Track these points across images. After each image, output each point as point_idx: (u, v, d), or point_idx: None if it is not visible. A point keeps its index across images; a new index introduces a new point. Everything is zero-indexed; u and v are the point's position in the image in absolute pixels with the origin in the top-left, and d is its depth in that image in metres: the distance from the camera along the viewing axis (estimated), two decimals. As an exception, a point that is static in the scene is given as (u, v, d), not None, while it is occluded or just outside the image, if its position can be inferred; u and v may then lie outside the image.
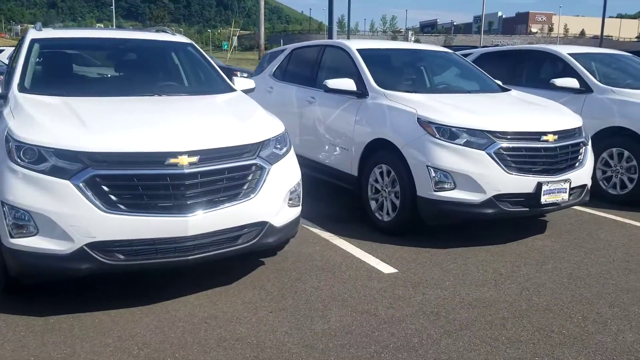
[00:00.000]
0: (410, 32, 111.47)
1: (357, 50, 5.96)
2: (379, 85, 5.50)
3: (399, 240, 4.96)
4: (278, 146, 3.96)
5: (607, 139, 6.52)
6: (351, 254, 4.65)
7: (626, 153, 6.34)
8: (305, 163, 6.43)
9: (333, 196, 6.43)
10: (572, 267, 4.49)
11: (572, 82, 6.84)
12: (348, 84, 5.55)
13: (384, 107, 5.25)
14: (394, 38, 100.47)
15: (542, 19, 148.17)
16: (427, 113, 4.86)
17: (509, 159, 4.66)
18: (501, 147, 4.64)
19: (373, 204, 5.31)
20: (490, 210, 4.68)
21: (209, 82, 4.88)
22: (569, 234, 5.36)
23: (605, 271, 4.40)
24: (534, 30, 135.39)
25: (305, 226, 5.38)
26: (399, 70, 6.14)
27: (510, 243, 5.01)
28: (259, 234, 3.70)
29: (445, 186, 4.66)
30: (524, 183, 4.69)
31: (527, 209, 4.78)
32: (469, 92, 5.90)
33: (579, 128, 5.17)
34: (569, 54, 7.27)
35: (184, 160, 3.35)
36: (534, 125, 4.84)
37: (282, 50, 7.50)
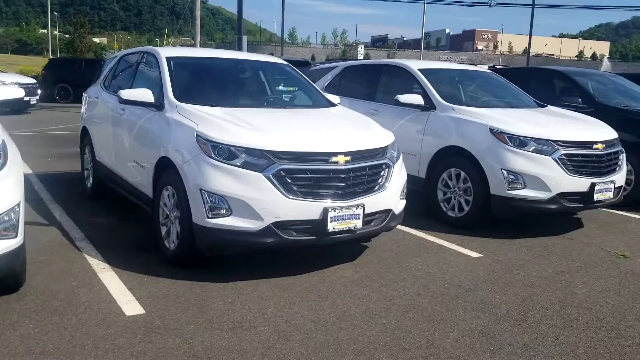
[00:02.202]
0: (360, 46, 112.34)
1: (167, 57, 5.42)
2: (177, 97, 4.96)
3: (179, 273, 4.41)
4: None
5: (446, 159, 6.18)
6: (106, 291, 4.05)
7: (462, 174, 5.99)
8: (117, 181, 5.85)
9: (143, 220, 5.85)
10: (353, 303, 4.02)
11: (416, 99, 6.49)
12: (144, 94, 5.01)
13: (171, 122, 4.71)
14: (344, 51, 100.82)
15: (487, 36, 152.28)
16: (206, 129, 4.33)
17: (290, 182, 4.17)
18: (282, 169, 4.15)
19: (163, 230, 4.74)
20: (270, 240, 4.17)
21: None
22: (380, 262, 4.92)
23: (384, 308, 3.95)
24: (479, 47, 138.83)
25: (88, 256, 4.77)
26: (212, 82, 5.60)
27: (304, 274, 4.53)
28: None
29: (221, 212, 4.14)
30: (308, 209, 4.20)
31: (315, 237, 4.30)
32: (285, 107, 5.42)
33: (384, 148, 4.74)
34: (418, 69, 6.93)
35: None
36: (324, 144, 4.37)
37: (114, 58, 6.90)
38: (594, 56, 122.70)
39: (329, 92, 7.91)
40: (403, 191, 4.95)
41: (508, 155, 5.62)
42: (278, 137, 4.30)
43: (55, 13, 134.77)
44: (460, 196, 6.04)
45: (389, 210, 4.69)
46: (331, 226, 4.25)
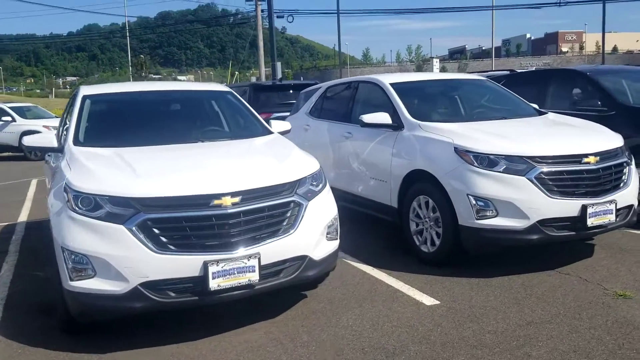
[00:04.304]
0: (435, 60, 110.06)
1: (83, 96, 5.04)
2: (78, 138, 4.53)
3: (62, 341, 3.87)
4: None
5: (415, 185, 5.31)
6: None
7: (431, 202, 5.10)
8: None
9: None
10: (231, 379, 3.29)
11: (382, 118, 5.68)
12: (44, 140, 4.59)
13: (57, 167, 4.24)
14: (419, 67, 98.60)
15: (572, 37, 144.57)
16: (75, 176, 3.78)
17: (160, 234, 3.51)
18: (148, 220, 3.50)
19: (61, 290, 4.23)
20: (139, 304, 3.52)
21: None
22: (308, 317, 4.15)
23: (263, 387, 3.19)
24: (564, 49, 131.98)
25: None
26: (121, 120, 5.04)
27: (204, 339, 3.85)
28: None
29: (84, 274, 3.55)
30: (185, 265, 3.53)
31: (197, 297, 3.61)
32: (202, 141, 4.75)
33: (294, 183, 3.96)
34: (390, 84, 6.10)
35: None
36: (206, 186, 3.66)
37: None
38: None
39: (313, 115, 7.31)
40: (331, 231, 4.17)
41: (475, 178, 4.69)
42: (148, 181, 3.67)
43: (142, 56, 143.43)
44: (431, 228, 5.14)
45: (302, 257, 3.92)
46: (214, 283, 3.56)
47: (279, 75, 17.30)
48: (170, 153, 4.33)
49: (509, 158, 4.66)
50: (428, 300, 4.35)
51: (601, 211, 4.66)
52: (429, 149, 5.15)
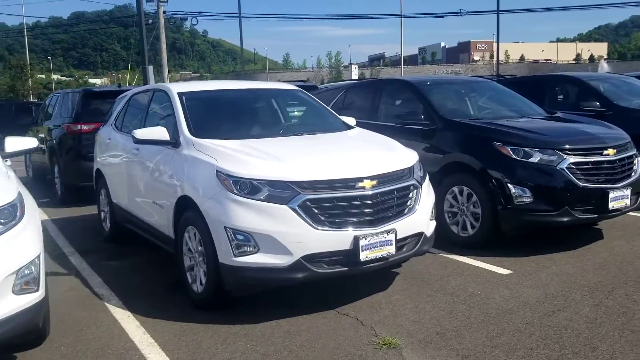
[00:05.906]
0: (354, 66, 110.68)
1: None
2: None
3: None
4: None
5: (186, 213, 4.52)
6: None
7: (198, 235, 4.33)
8: None
9: None
10: None
11: (156, 133, 4.87)
12: None
13: None
14: (339, 72, 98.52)
15: (483, 47, 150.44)
16: None
17: None
18: None
19: None
20: None
21: None
22: None
23: None
24: (476, 58, 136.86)
25: None
26: None
27: None
28: None
29: None
30: None
31: None
32: None
33: None
34: (178, 93, 5.30)
35: None
36: None
37: None
38: (591, 58, 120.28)
39: (116, 127, 6.46)
40: (28, 281, 3.30)
41: (234, 208, 3.96)
42: None
43: (49, 58, 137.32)
44: (200, 265, 4.38)
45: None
46: None
47: (151, 80, 16.21)
48: None
49: (272, 184, 3.97)
50: (162, 361, 3.57)
51: (377, 243, 4.05)
52: (194, 171, 4.39)
